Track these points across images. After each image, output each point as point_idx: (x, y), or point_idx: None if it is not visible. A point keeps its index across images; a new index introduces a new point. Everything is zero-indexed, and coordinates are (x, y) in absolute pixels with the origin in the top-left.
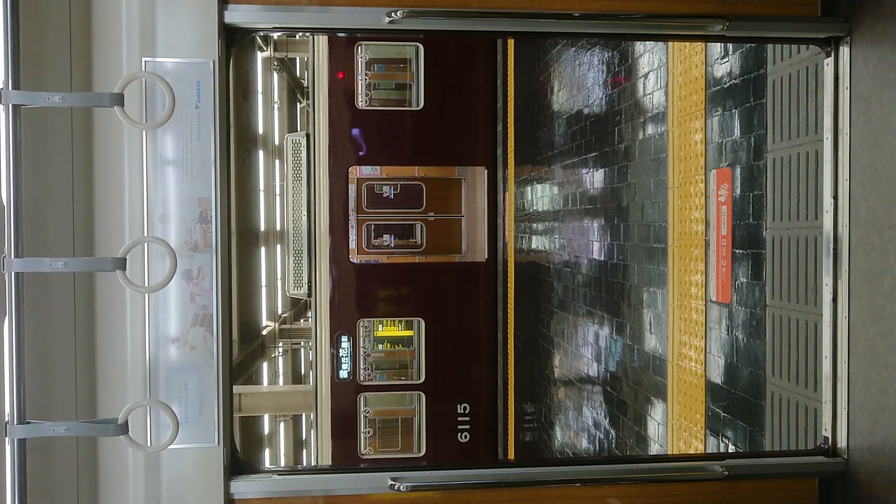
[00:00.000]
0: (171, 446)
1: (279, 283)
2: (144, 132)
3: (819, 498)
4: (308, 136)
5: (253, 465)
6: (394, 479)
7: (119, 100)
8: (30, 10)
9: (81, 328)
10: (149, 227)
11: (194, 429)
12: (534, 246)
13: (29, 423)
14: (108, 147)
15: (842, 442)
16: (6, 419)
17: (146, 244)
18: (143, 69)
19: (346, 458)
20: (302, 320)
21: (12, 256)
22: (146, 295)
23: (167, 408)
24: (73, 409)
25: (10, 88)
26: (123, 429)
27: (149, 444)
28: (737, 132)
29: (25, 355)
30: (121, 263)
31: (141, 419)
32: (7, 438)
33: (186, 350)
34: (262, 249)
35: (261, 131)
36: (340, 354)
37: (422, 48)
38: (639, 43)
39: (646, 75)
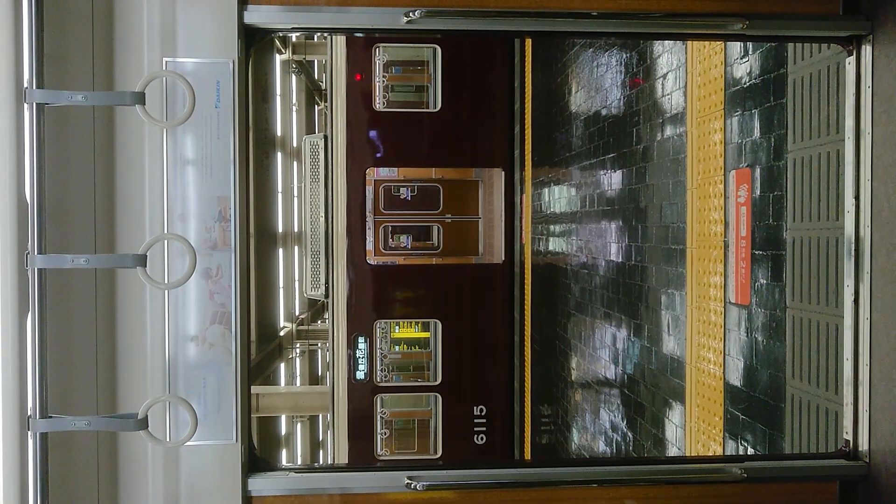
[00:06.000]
0: (189, 442)
1: (297, 284)
2: (165, 131)
3: (840, 501)
4: (326, 137)
5: (270, 462)
6: (410, 478)
7: (140, 99)
8: (53, 10)
9: (102, 324)
10: (169, 225)
11: (212, 426)
12: (551, 248)
13: (51, 417)
14: (129, 145)
15: (863, 445)
16: (29, 413)
17: (166, 241)
18: (164, 69)
19: (362, 459)
20: (319, 321)
21: (35, 253)
22: (166, 292)
23: (186, 404)
24: (93, 404)
25: (33, 87)
26: (143, 424)
27: (168, 440)
28: (756, 132)
29: (48, 351)
30: (141, 260)
31: (160, 415)
32: (30, 432)
33: (205, 348)
34: (280, 250)
35: (279, 133)
36: (357, 355)
37: (439, 50)
38: (657, 43)
39: (664, 76)
